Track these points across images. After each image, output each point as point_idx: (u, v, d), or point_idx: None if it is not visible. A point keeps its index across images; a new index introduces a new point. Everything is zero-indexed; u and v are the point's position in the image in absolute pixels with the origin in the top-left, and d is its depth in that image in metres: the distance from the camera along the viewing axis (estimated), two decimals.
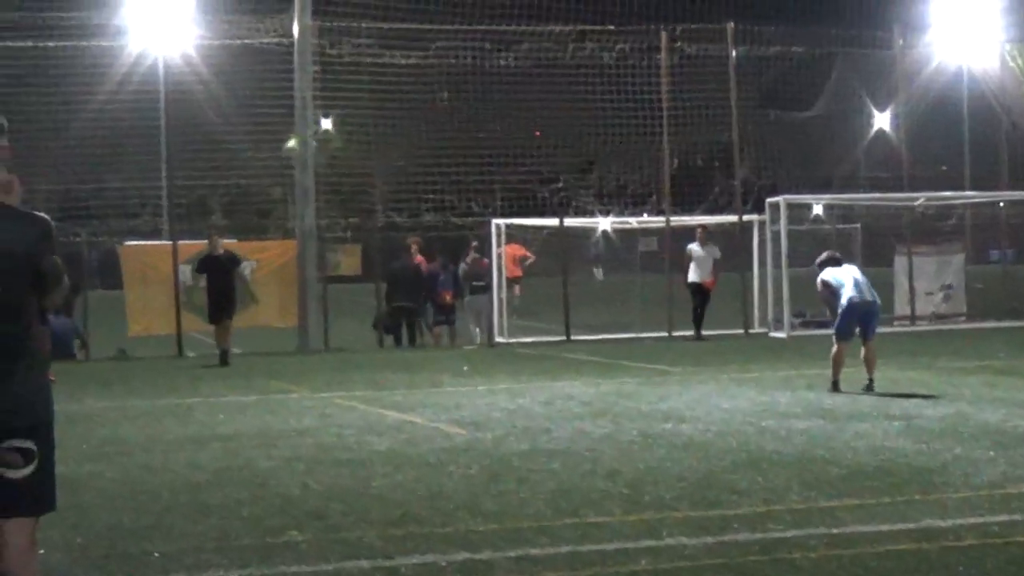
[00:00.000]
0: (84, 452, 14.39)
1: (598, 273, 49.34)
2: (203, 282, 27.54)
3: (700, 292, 31.33)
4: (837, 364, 19.07)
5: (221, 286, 26.97)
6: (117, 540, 9.99)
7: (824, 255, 20.38)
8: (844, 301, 19.22)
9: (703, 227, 32.49)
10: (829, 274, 19.59)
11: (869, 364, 19.20)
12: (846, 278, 19.37)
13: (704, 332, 31.10)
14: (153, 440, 15.54)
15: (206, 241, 28.48)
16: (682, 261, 32.26)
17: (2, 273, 6.04)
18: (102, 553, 9.59)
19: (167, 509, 11.15)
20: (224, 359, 26.54)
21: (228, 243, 31.00)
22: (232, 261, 27.56)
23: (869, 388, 18.85)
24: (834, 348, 19.21)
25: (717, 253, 31.89)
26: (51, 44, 33.19)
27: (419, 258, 31.42)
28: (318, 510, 10.93)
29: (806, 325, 31.56)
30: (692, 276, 31.49)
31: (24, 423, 6.09)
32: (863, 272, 19.95)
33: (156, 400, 20.27)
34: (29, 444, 6.08)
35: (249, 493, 11.78)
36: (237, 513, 10.87)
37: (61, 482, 6.35)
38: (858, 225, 42.91)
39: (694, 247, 31.72)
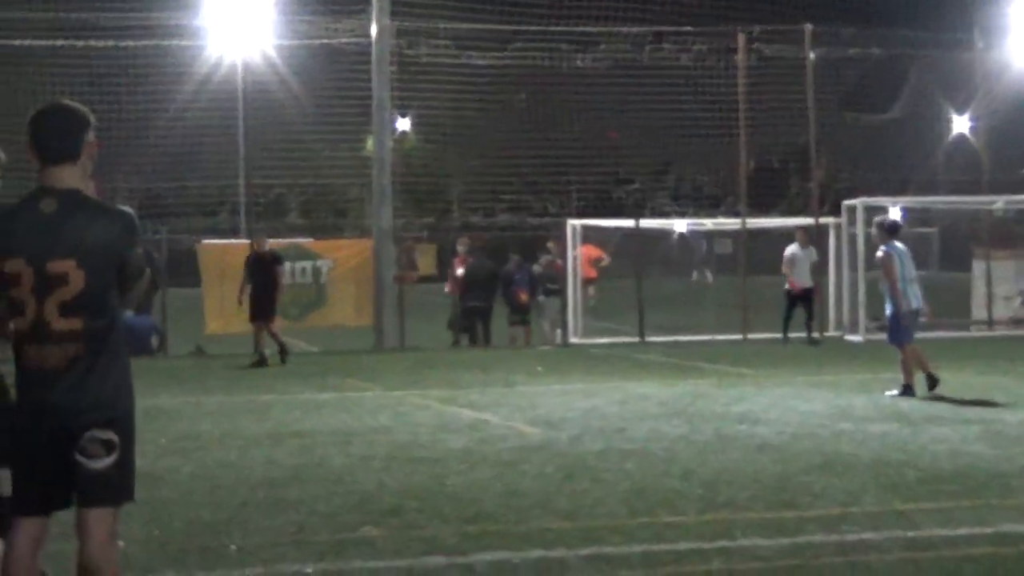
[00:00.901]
0: (162, 447, 14.53)
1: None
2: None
3: (804, 296, 30.67)
4: (909, 367, 18.92)
5: (262, 285, 26.32)
6: (195, 534, 10.10)
7: (887, 219, 20.18)
8: (904, 308, 19.03)
9: (803, 229, 31.74)
10: (895, 250, 19.27)
11: (921, 362, 19.07)
12: (907, 281, 19.14)
13: (775, 335, 30.68)
14: (230, 436, 15.66)
15: (284, 240, 28.35)
16: (778, 261, 31.45)
17: (86, 267, 6.11)
18: (180, 546, 9.70)
19: (244, 504, 11.25)
20: (283, 357, 26.07)
21: (305, 242, 31.00)
22: (275, 260, 26.66)
23: (933, 382, 18.68)
24: (901, 354, 19.08)
25: (814, 255, 31.19)
26: (131, 44, 33.53)
27: (460, 257, 31.31)
28: (393, 507, 10.99)
29: (882, 329, 31.18)
30: (799, 282, 30.63)
31: (106, 415, 6.16)
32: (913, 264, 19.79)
33: (233, 397, 20.42)
34: (110, 435, 6.15)
35: (325, 489, 11.86)
36: (313, 509, 10.94)
37: (139, 476, 6.41)
38: (936, 228, 42.56)
39: (795, 249, 30.92)
